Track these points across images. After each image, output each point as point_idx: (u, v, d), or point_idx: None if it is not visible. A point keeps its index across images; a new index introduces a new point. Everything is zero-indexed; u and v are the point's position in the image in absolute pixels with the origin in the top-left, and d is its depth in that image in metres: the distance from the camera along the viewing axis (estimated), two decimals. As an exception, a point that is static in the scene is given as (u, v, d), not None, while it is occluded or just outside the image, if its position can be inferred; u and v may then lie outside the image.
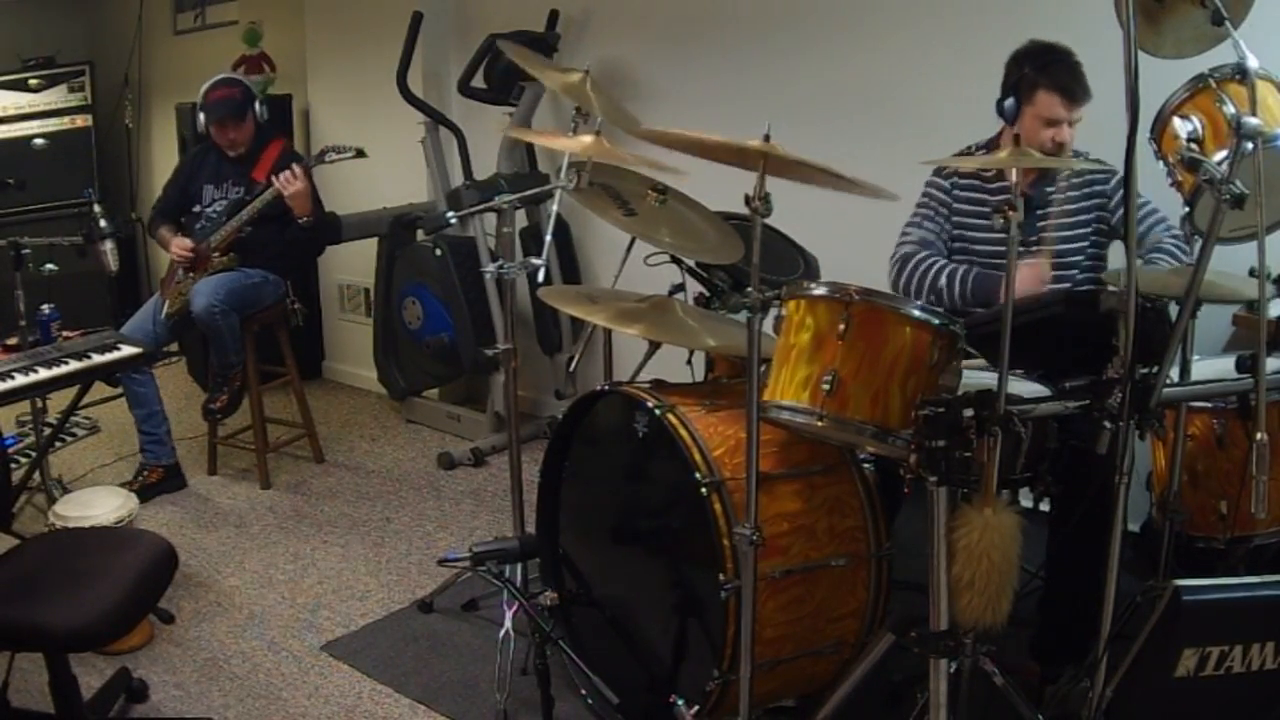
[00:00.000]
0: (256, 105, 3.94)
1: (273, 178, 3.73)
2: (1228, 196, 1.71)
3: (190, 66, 5.55)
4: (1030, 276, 2.55)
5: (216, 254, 3.83)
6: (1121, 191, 2.55)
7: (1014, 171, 2.02)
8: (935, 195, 2.78)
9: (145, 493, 3.85)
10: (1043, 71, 2.56)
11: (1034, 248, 2.66)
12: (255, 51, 5.48)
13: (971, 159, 2.61)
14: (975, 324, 2.10)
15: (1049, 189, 2.69)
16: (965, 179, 2.75)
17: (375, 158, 3.97)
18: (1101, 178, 2.68)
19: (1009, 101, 2.61)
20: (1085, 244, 2.71)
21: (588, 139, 2.67)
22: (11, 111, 5.63)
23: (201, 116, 3.89)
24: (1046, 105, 2.55)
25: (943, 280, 2.63)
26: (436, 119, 4.38)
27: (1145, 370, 1.82)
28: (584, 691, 2.54)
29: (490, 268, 2.76)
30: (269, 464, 4.03)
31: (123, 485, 3.83)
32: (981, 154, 2.68)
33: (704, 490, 2.18)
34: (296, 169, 3.71)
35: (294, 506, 3.83)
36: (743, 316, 1.98)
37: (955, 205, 2.75)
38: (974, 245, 2.73)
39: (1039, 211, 2.68)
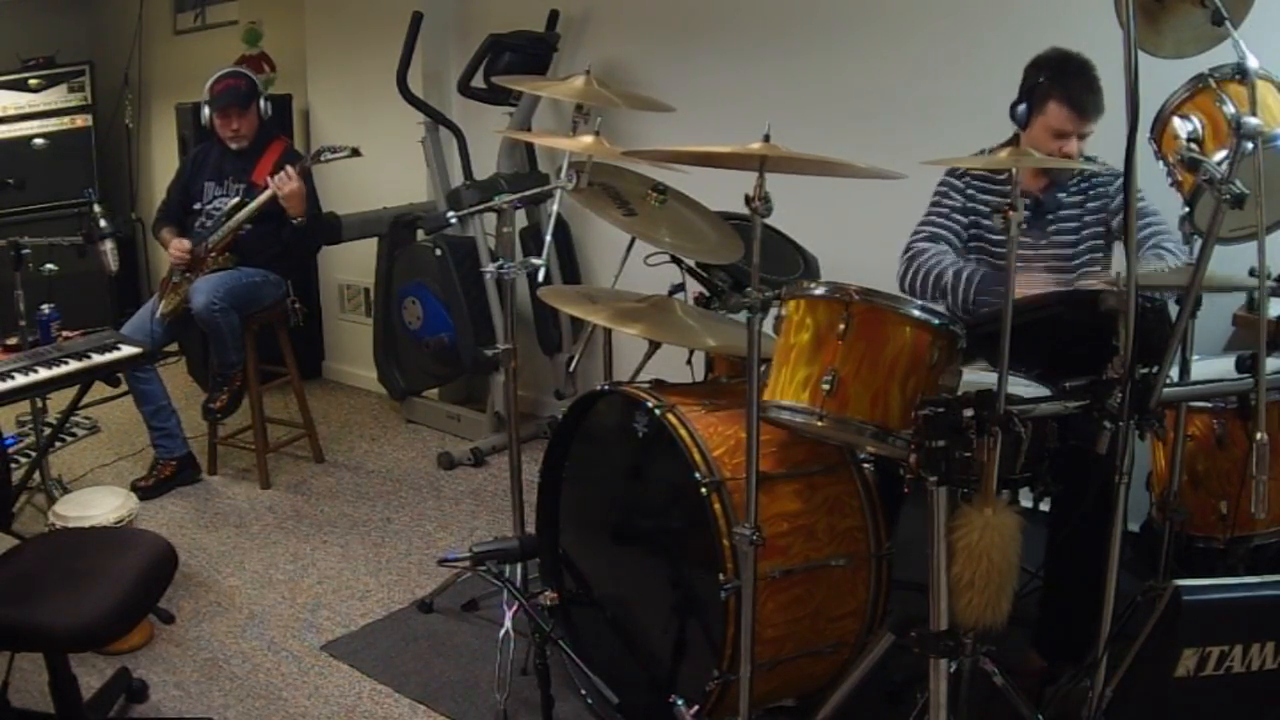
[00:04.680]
0: (262, 101, 3.95)
1: (269, 179, 3.74)
2: (1228, 196, 1.71)
3: (190, 66, 5.55)
4: (1042, 284, 2.54)
5: (213, 254, 3.84)
6: (1123, 195, 2.56)
7: (1018, 172, 2.01)
8: (949, 193, 2.75)
9: (161, 487, 3.88)
10: (1057, 82, 2.53)
11: (1043, 250, 2.65)
12: (255, 51, 5.49)
13: (972, 159, 2.61)
14: (975, 324, 2.10)
15: (1060, 194, 2.68)
16: (980, 178, 2.74)
17: (375, 158, 3.97)
18: (1104, 180, 2.67)
19: (1021, 107, 2.59)
20: (1084, 246, 2.70)
21: (588, 139, 2.68)
22: (11, 111, 5.63)
23: (205, 109, 3.91)
24: (1056, 117, 2.53)
25: (948, 276, 2.60)
26: (436, 119, 4.38)
27: (1145, 370, 1.82)
28: (584, 691, 2.54)
29: (490, 268, 2.76)
30: (269, 464, 4.03)
31: (138, 481, 3.87)
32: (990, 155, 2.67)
33: (704, 490, 2.18)
34: (291, 169, 3.72)
35: (294, 506, 3.83)
36: (743, 316, 1.98)
37: (969, 205, 2.72)
38: (991, 247, 2.72)
39: (1049, 216, 2.67)
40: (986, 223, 2.71)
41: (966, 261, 2.68)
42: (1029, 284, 2.48)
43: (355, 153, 3.75)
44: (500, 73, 4.00)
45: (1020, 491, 2.29)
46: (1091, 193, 2.69)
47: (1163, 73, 1.92)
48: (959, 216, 2.73)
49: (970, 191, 2.73)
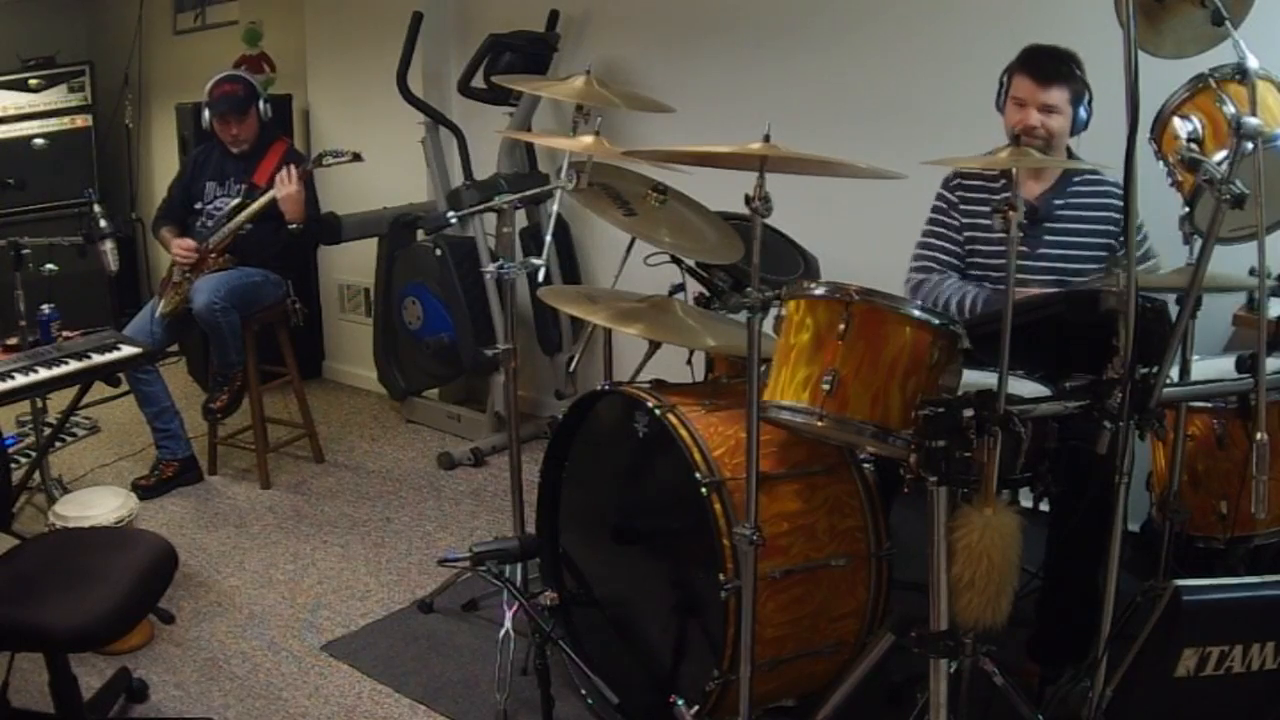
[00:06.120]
0: (261, 103, 3.95)
1: (275, 180, 3.75)
2: (1228, 196, 1.71)
3: (190, 66, 5.55)
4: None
5: (213, 255, 3.84)
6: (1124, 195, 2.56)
7: (1018, 172, 2.01)
8: (941, 209, 2.77)
9: (162, 487, 3.89)
10: (1020, 56, 2.61)
11: (1039, 258, 2.65)
12: (255, 51, 5.49)
13: (971, 159, 2.60)
14: (975, 324, 2.10)
15: (1057, 202, 2.67)
16: (973, 190, 2.74)
17: (375, 158, 3.97)
18: (1113, 191, 2.64)
19: (1001, 97, 2.65)
20: (1091, 256, 2.68)
21: (588, 139, 2.68)
22: (11, 111, 5.62)
23: (206, 112, 3.91)
24: (1016, 87, 2.59)
25: (953, 305, 2.64)
26: (436, 119, 4.38)
27: (1145, 370, 1.82)
28: (584, 691, 2.54)
29: (490, 268, 2.76)
30: (269, 464, 4.03)
31: (139, 480, 3.87)
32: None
33: (704, 490, 2.18)
34: (291, 171, 3.72)
35: (294, 506, 3.83)
36: (743, 316, 1.98)
37: (964, 220, 2.73)
38: (987, 260, 2.71)
39: (1046, 225, 2.66)
40: (981, 235, 2.71)
41: (970, 287, 2.67)
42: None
43: (357, 157, 3.77)
44: (500, 73, 4.00)
45: (1020, 491, 2.29)
46: (1096, 201, 2.67)
47: (1163, 73, 1.92)
48: (954, 236, 2.74)
49: (964, 207, 2.73)
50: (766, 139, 1.91)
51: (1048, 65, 2.56)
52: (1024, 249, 2.60)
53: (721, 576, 2.13)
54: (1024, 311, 2.04)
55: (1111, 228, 2.66)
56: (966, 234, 2.73)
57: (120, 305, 5.26)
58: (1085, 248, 2.66)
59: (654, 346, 2.94)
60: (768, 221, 1.95)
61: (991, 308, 2.57)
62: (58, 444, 4.20)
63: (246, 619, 3.05)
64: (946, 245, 2.74)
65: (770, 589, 2.20)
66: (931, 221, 2.79)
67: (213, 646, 2.90)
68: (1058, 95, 2.55)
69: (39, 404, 3.68)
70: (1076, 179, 2.67)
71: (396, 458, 4.31)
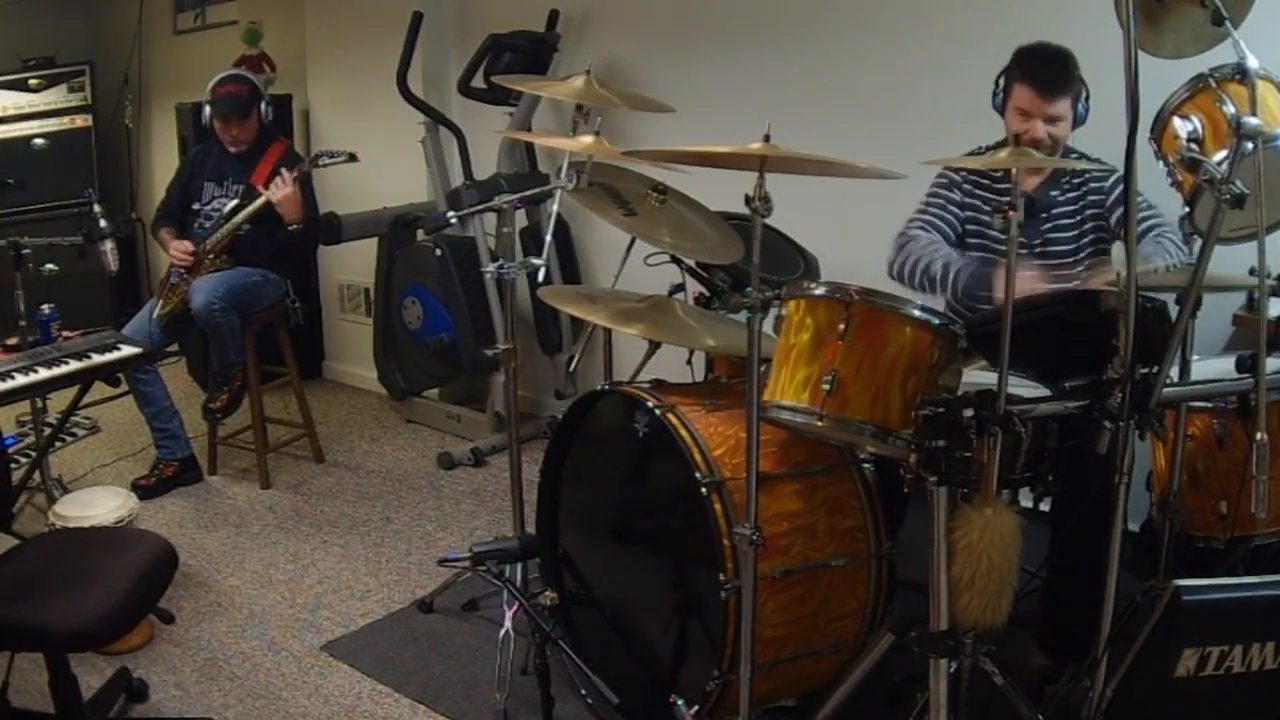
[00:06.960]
0: (263, 105, 3.95)
1: (261, 188, 3.75)
2: (1228, 196, 1.71)
3: (190, 66, 5.55)
4: (1029, 281, 2.53)
5: (211, 255, 3.84)
6: (1119, 190, 2.56)
7: (1018, 171, 2.01)
8: (948, 186, 2.76)
9: (161, 487, 3.89)
10: (1019, 64, 2.60)
11: (1037, 249, 2.66)
12: (255, 51, 5.48)
13: (971, 159, 2.61)
14: (975, 324, 2.10)
15: (1054, 192, 2.68)
16: (974, 174, 2.74)
17: (375, 158, 3.97)
18: (1098, 177, 2.66)
19: (998, 98, 2.65)
20: (1085, 244, 2.70)
21: (588, 139, 2.68)
22: (11, 111, 5.63)
23: (207, 109, 3.91)
24: (1019, 97, 2.58)
25: (937, 268, 2.59)
26: (436, 119, 4.38)
27: (1145, 370, 1.82)
28: (584, 691, 2.55)
29: (490, 268, 2.77)
30: (269, 464, 4.03)
31: (138, 480, 3.87)
32: (988, 154, 2.67)
33: (704, 490, 2.18)
34: (286, 175, 3.72)
35: (294, 506, 3.83)
36: (743, 316, 1.98)
37: (966, 200, 2.73)
38: (994, 244, 2.70)
39: (1044, 215, 2.66)
40: (982, 218, 2.71)
41: (958, 256, 2.67)
42: (1020, 277, 2.48)
43: (352, 158, 3.77)
44: (500, 73, 4.00)
45: (1020, 491, 2.29)
46: (1085, 188, 2.68)
47: (1163, 73, 1.92)
48: (955, 210, 2.74)
49: (967, 186, 2.74)
50: (766, 139, 1.92)
51: (1050, 76, 2.54)
52: (1022, 239, 2.61)
53: (721, 576, 2.13)
54: (1024, 311, 2.04)
55: (1098, 209, 2.66)
56: (968, 213, 2.73)
57: (120, 305, 5.27)
58: (1087, 231, 2.67)
59: (654, 346, 2.94)
60: (768, 221, 1.95)
61: (974, 283, 2.56)
62: (58, 444, 4.20)
63: (246, 619, 3.05)
64: (946, 216, 2.73)
65: (770, 589, 2.20)
66: (933, 193, 2.77)
67: (213, 646, 2.90)
68: (1062, 106, 2.55)
69: (39, 404, 3.68)
70: (1069, 168, 2.68)
71: (396, 458, 4.31)
